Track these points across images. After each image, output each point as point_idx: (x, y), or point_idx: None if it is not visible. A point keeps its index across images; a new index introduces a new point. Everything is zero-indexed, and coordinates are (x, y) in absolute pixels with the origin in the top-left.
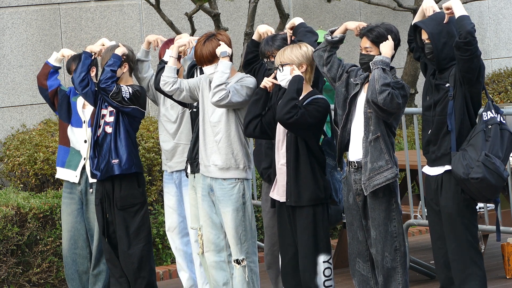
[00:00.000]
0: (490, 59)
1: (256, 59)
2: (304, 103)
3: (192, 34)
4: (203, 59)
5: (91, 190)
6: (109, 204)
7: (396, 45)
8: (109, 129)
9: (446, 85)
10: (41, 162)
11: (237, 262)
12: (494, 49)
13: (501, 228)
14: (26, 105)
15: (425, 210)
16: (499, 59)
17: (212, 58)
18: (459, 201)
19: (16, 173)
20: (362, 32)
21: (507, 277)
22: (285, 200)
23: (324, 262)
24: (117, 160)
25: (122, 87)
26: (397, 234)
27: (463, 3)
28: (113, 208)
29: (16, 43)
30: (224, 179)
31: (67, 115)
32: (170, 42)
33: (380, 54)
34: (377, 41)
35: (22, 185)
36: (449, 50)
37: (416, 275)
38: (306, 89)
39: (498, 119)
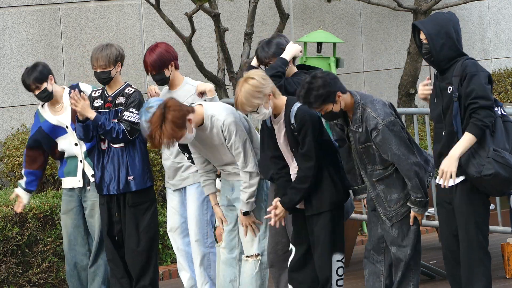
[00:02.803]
0: (490, 59)
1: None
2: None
3: (192, 34)
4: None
5: (88, 187)
6: (117, 203)
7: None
8: (116, 144)
9: (450, 89)
10: None
11: (249, 256)
12: (494, 49)
13: (501, 228)
14: (26, 105)
15: (429, 210)
16: (499, 59)
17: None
18: (473, 200)
19: (16, 173)
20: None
21: (507, 277)
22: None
23: (338, 261)
24: (133, 177)
25: (120, 131)
26: (417, 232)
27: (463, 3)
28: (124, 205)
29: (16, 43)
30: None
31: (54, 146)
32: None
33: None
34: (312, 101)
35: None
36: (447, 51)
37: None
38: (281, 102)
39: (499, 112)
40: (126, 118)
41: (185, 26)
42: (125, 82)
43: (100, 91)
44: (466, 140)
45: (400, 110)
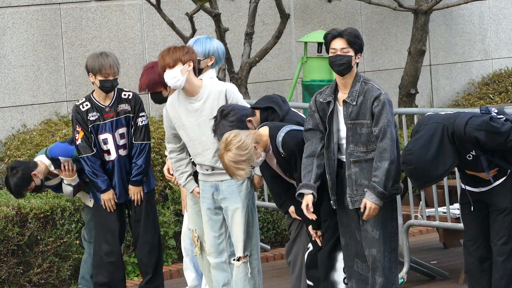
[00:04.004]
0: (490, 59)
1: None
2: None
3: (193, 34)
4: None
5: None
6: (129, 201)
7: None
8: (123, 152)
9: (470, 157)
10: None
11: (238, 259)
12: (494, 49)
13: None
14: (26, 105)
15: (426, 210)
16: (499, 59)
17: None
18: None
19: None
20: (334, 34)
21: None
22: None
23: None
24: (145, 178)
25: (146, 149)
26: (394, 234)
27: (464, 3)
28: (140, 202)
29: (17, 43)
30: (232, 179)
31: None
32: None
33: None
34: (352, 41)
35: None
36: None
37: (416, 275)
38: (266, 141)
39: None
40: (141, 124)
41: (186, 26)
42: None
43: (88, 103)
44: None
45: (400, 110)
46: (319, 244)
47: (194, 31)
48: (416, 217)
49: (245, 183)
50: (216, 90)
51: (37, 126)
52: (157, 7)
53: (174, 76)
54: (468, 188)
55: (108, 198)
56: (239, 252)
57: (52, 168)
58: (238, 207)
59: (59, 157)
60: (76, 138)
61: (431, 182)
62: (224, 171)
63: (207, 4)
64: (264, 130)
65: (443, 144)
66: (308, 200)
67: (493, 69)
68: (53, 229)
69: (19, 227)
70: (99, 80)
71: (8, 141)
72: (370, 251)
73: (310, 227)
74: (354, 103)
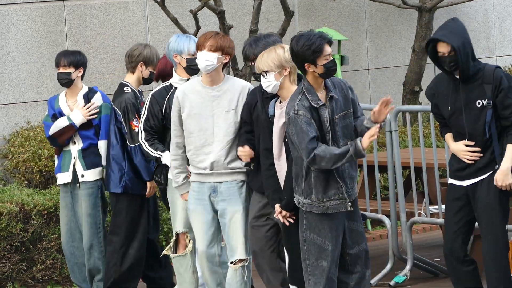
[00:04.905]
0: (495, 57)
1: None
2: None
3: (197, 31)
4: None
5: (78, 185)
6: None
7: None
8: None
9: (479, 103)
10: (46, 158)
11: (235, 262)
12: (499, 47)
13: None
14: (30, 102)
15: (429, 208)
16: (504, 57)
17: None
18: (501, 194)
19: (21, 169)
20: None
21: None
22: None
23: None
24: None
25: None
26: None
27: (468, 0)
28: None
29: (21, 40)
30: (231, 180)
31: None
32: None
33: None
34: None
35: (26, 182)
36: (471, 60)
37: (419, 272)
38: (292, 90)
39: None
40: None
41: (190, 23)
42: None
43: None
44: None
45: (405, 107)
46: (286, 223)
47: (198, 28)
48: (419, 215)
49: (245, 185)
50: (239, 85)
51: (41, 123)
52: (161, 4)
53: (209, 60)
54: (455, 182)
55: (153, 186)
56: (238, 255)
57: (81, 90)
58: (238, 209)
59: (97, 93)
60: (136, 125)
61: None
62: (222, 171)
63: (211, 1)
64: (295, 87)
65: None
66: None
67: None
68: (57, 226)
69: (23, 224)
70: (150, 72)
71: (12, 138)
72: (360, 246)
73: (277, 205)
74: (337, 96)
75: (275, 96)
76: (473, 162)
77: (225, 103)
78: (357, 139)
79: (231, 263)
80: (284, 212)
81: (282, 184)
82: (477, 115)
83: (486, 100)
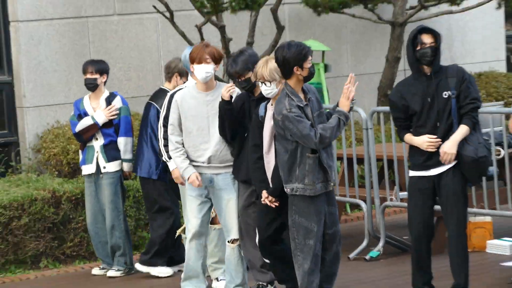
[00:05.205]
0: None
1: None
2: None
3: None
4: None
5: (101, 175)
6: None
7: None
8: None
9: (445, 94)
10: (73, 153)
11: (233, 241)
12: (460, 57)
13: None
14: (59, 104)
15: (399, 193)
16: (464, 65)
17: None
18: (463, 182)
19: (52, 162)
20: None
21: (469, 250)
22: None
23: None
24: None
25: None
26: None
27: (434, 16)
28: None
29: (51, 51)
30: (226, 172)
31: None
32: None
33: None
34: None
35: (56, 173)
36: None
37: (391, 248)
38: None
39: None
40: None
41: (195, 36)
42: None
43: None
44: (465, 130)
45: (379, 108)
46: (273, 206)
47: (202, 40)
48: (391, 199)
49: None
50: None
51: (69, 122)
52: (171, 20)
53: (209, 72)
54: (421, 173)
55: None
56: (233, 235)
57: (103, 94)
58: (232, 197)
59: (117, 96)
60: None
61: None
62: (218, 165)
63: (214, 18)
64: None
65: None
66: None
67: None
68: (83, 210)
69: (54, 208)
70: (183, 82)
71: (44, 135)
72: (336, 227)
73: (264, 191)
74: (313, 98)
75: (261, 99)
76: (436, 149)
77: (218, 106)
78: (337, 107)
79: (229, 242)
80: (270, 197)
81: (269, 175)
82: (444, 105)
83: (450, 91)
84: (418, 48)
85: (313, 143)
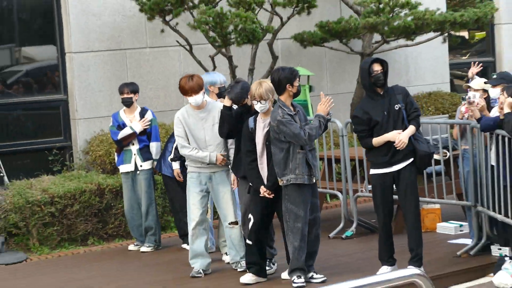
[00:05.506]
0: (412, 86)
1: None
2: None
3: (214, 69)
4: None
5: (138, 172)
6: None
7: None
8: None
9: (397, 107)
10: (114, 155)
11: (235, 223)
12: (414, 80)
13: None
14: (103, 117)
15: (368, 186)
16: (418, 86)
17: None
18: (416, 176)
19: (97, 161)
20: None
21: (423, 231)
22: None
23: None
24: None
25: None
26: None
27: (394, 48)
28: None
29: (97, 76)
30: (221, 170)
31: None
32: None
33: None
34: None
35: (101, 170)
36: None
37: (362, 229)
38: (270, 111)
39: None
40: None
41: (209, 64)
42: None
43: None
44: (413, 129)
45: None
46: (270, 197)
47: (214, 67)
48: (362, 191)
49: (229, 172)
50: (216, 106)
51: None
52: (190, 51)
53: (198, 100)
54: (379, 171)
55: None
56: (229, 218)
57: (137, 109)
58: (228, 189)
59: (148, 111)
60: None
61: None
62: (215, 164)
63: (223, 50)
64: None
65: None
66: None
67: (412, 93)
68: (121, 199)
69: (99, 197)
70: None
71: (91, 141)
72: (316, 214)
73: (262, 187)
74: (300, 111)
75: (256, 113)
76: (399, 149)
77: (210, 119)
78: (316, 113)
79: (229, 224)
80: (267, 191)
81: (263, 174)
82: (397, 115)
83: (400, 104)
84: (373, 74)
85: (303, 139)
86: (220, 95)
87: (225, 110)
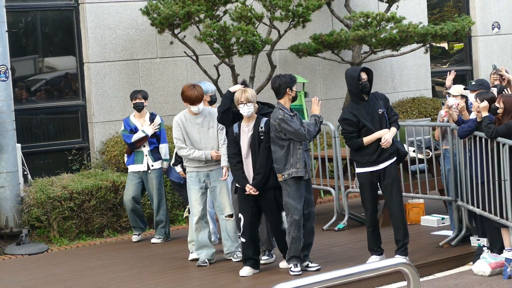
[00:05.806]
0: (397, 92)
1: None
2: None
3: (217, 78)
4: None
5: (149, 171)
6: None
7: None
8: None
9: (380, 111)
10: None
11: (231, 216)
12: (399, 86)
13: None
14: (118, 120)
15: (358, 183)
16: (402, 92)
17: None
18: (398, 174)
19: (112, 161)
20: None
21: (408, 223)
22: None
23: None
24: None
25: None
26: None
27: (381, 58)
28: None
29: (113, 83)
30: (218, 168)
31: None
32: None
33: None
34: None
35: (116, 169)
36: None
37: (353, 222)
38: (254, 115)
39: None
40: None
41: (214, 72)
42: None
43: None
44: (395, 130)
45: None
46: (256, 193)
47: (218, 75)
48: (352, 187)
49: (225, 169)
50: (211, 111)
51: None
52: (196, 61)
53: (200, 108)
54: (366, 170)
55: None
56: (226, 211)
57: (147, 114)
58: (224, 185)
59: (157, 115)
60: None
61: None
62: (212, 163)
63: (227, 59)
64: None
65: None
66: None
67: (398, 98)
68: None
69: (114, 194)
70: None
71: (107, 142)
72: (311, 209)
73: (248, 185)
74: (297, 114)
75: (234, 120)
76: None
77: (206, 124)
78: (311, 113)
79: (226, 217)
80: (253, 189)
81: (248, 174)
82: (381, 118)
83: (382, 109)
84: (361, 82)
85: (303, 134)
86: (212, 102)
87: (228, 94)
